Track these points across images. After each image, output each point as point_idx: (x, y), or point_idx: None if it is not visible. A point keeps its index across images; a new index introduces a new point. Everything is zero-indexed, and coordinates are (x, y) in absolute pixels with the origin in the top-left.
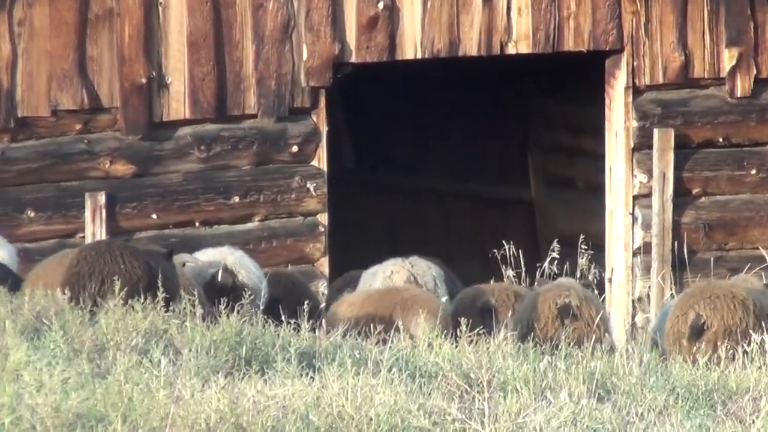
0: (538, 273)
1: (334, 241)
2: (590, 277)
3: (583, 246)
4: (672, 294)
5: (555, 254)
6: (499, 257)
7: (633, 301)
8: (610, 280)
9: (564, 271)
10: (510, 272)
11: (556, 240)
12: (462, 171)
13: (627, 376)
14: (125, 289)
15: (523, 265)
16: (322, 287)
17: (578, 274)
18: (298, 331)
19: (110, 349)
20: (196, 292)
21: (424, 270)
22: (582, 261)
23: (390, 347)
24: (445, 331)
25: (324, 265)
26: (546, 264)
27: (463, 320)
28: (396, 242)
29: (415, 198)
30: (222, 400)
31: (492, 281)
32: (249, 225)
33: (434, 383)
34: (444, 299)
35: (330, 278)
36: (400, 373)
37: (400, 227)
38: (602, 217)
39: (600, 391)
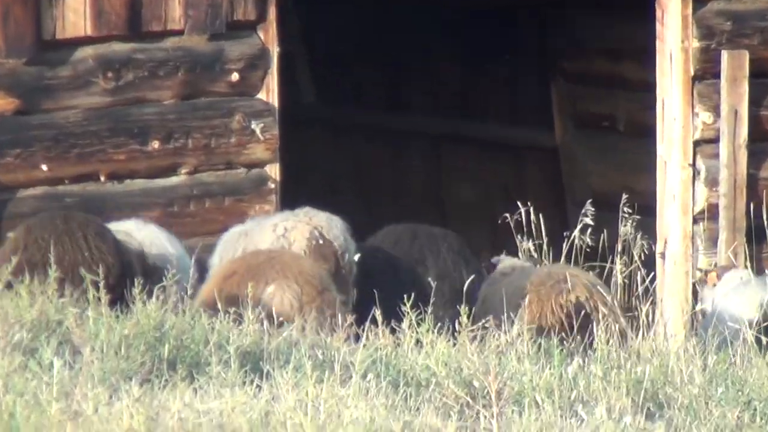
0: (565, 245)
1: (287, 200)
2: (635, 252)
3: (626, 209)
4: (748, 274)
5: (588, 220)
6: (512, 223)
7: (694, 284)
8: (662, 255)
9: (600, 243)
10: (527, 244)
11: (589, 201)
12: (458, 107)
13: (686, 385)
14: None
15: (544, 234)
16: None
17: (619, 248)
18: (240, 323)
19: None
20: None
21: (328, 223)
22: (625, 229)
23: (364, 345)
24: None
25: None
26: (576, 233)
27: (463, 309)
28: (370, 202)
29: (395, 143)
30: (136, 417)
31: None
32: (173, 179)
33: (424, 394)
34: (356, 257)
35: None
36: (378, 380)
37: (375, 183)
38: (652, 170)
39: (650, 404)
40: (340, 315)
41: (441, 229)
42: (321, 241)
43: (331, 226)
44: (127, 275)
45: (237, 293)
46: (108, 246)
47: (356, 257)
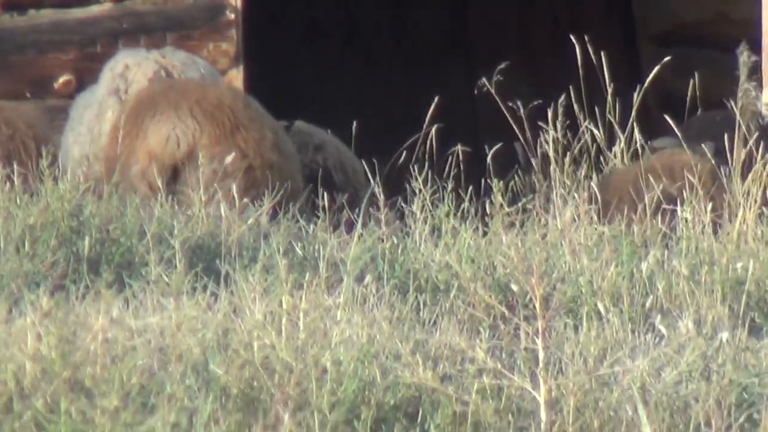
0: (636, 95)
1: (254, 37)
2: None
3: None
4: None
5: (668, 58)
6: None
7: None
8: None
9: (690, 93)
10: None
11: (665, 31)
12: None
13: None
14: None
15: (608, 79)
16: None
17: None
18: (185, 208)
19: None
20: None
21: (184, 63)
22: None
23: (360, 235)
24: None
25: (235, 82)
26: (648, 80)
27: (496, 184)
28: (364, 42)
29: None
30: (45, 339)
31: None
32: (93, 9)
33: (444, 303)
34: None
35: None
36: (380, 284)
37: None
38: None
39: (754, 314)
40: (277, 172)
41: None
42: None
43: (190, 68)
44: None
45: (124, 144)
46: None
47: None
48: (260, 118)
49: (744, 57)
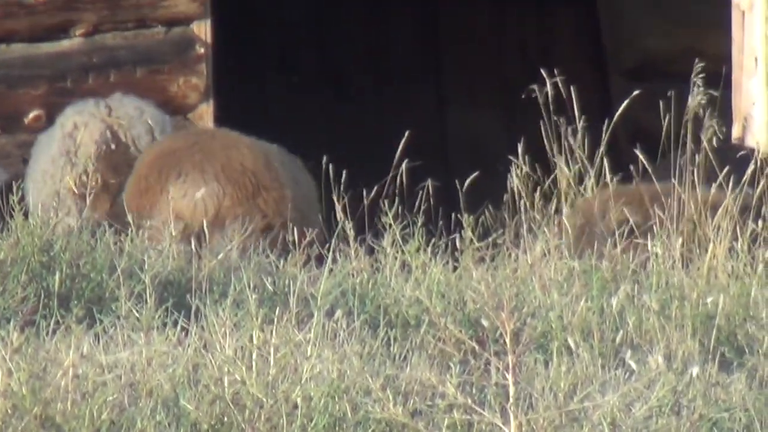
0: (605, 129)
1: (224, 72)
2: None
3: (695, 80)
4: None
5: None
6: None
7: None
8: (740, 141)
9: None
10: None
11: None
12: None
13: None
14: None
15: (577, 114)
16: None
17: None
18: (154, 243)
19: None
20: None
21: (132, 118)
22: (691, 103)
23: (330, 269)
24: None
25: (205, 116)
26: (618, 113)
27: (466, 219)
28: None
29: None
30: (16, 375)
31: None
32: (64, 44)
33: (414, 338)
34: None
35: None
36: (350, 318)
37: (347, 43)
38: (725, 23)
39: (725, 349)
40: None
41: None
42: (113, 146)
43: (137, 123)
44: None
45: (146, 195)
46: None
47: None
48: (279, 177)
49: (700, 93)
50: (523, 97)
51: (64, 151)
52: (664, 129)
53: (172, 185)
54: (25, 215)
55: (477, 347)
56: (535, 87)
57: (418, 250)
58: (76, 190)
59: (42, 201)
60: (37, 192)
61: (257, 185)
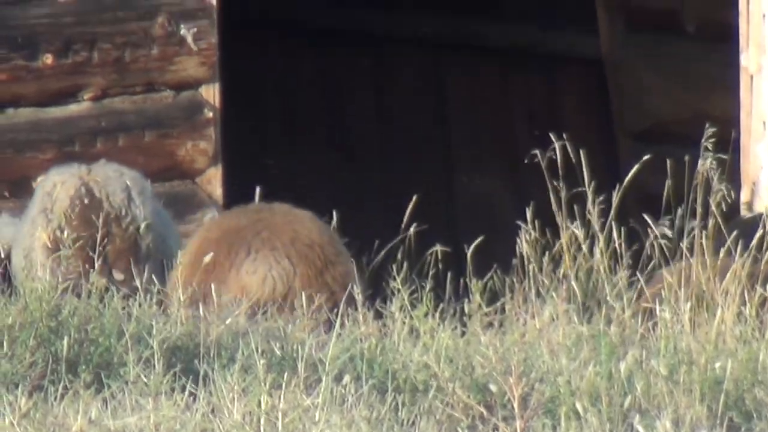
0: (615, 194)
1: (233, 136)
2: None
3: (705, 144)
4: None
5: (647, 157)
6: (542, 161)
7: None
8: (748, 205)
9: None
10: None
11: (644, 128)
12: (463, 2)
13: None
14: None
15: (586, 178)
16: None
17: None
18: (164, 308)
19: None
20: None
21: (109, 178)
22: (701, 167)
23: (338, 335)
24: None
25: (213, 181)
26: (629, 176)
27: (474, 284)
28: (346, 136)
29: (379, 53)
30: None
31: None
32: (72, 108)
33: (422, 403)
34: (142, 225)
35: (226, 207)
36: (358, 384)
37: (353, 109)
38: (733, 86)
39: (733, 413)
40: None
41: None
42: (87, 201)
43: (111, 181)
44: None
45: (207, 271)
46: None
47: (143, 225)
48: (342, 250)
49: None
50: (529, 160)
51: (42, 209)
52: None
53: (243, 263)
54: (33, 280)
55: (485, 412)
56: (537, 152)
57: (426, 314)
58: (49, 245)
59: (18, 266)
60: (20, 252)
61: (325, 260)
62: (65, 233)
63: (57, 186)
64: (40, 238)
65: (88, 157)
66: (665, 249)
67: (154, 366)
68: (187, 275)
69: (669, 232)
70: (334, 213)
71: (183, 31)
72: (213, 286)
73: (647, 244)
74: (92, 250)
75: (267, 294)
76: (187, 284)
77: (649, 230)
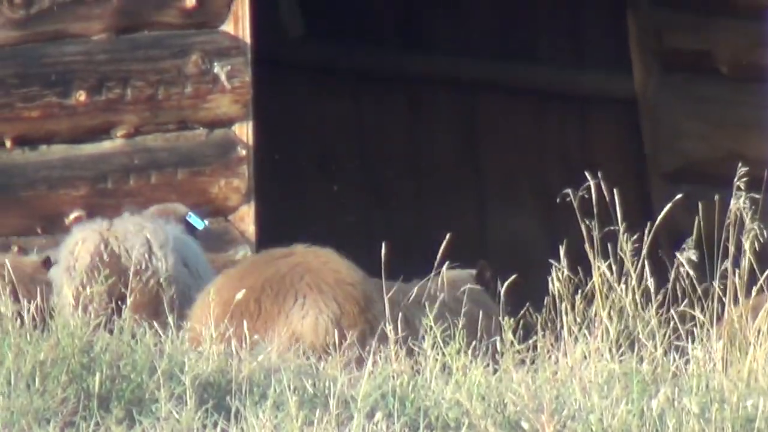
0: (647, 234)
1: (265, 173)
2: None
3: (737, 184)
4: None
5: (679, 196)
6: (575, 200)
7: None
8: None
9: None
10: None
11: (676, 168)
12: (497, 45)
13: None
14: None
15: (620, 217)
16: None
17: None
18: (197, 346)
19: None
20: None
21: (129, 232)
22: (733, 206)
23: (370, 374)
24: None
25: (246, 218)
26: (661, 215)
27: (506, 322)
28: (377, 178)
29: (413, 95)
30: None
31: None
32: (105, 145)
33: None
34: (163, 276)
35: (259, 244)
36: (390, 420)
37: (386, 150)
38: (766, 126)
39: None
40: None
41: None
42: (106, 257)
43: (132, 236)
44: None
45: (252, 317)
46: None
47: (164, 275)
48: (376, 289)
49: (742, 197)
50: (561, 199)
51: (66, 267)
52: (704, 232)
53: (292, 309)
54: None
55: None
56: (570, 191)
57: (458, 352)
58: (73, 302)
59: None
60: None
61: (366, 299)
62: (87, 290)
63: (78, 244)
64: (66, 296)
65: (120, 193)
66: (693, 278)
67: (186, 402)
68: (218, 314)
69: (695, 256)
70: (383, 251)
71: (216, 69)
72: (260, 332)
73: (672, 271)
74: (114, 304)
75: (319, 338)
76: (218, 322)
77: (675, 259)
